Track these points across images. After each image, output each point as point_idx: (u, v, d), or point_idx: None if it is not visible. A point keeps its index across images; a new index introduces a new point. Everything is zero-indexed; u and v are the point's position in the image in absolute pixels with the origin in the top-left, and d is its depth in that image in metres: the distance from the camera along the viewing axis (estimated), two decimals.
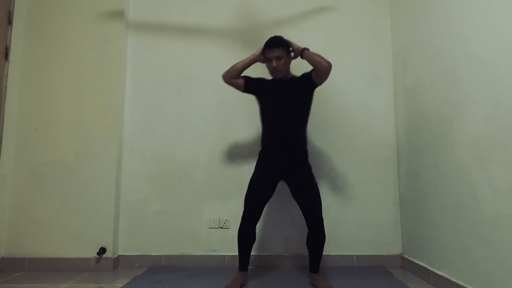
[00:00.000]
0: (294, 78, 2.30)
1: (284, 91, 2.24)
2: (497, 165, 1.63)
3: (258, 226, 2.57)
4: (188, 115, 2.81)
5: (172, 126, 2.80)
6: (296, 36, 2.86)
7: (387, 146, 2.78)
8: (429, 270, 2.21)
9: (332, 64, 2.11)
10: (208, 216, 2.72)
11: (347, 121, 2.81)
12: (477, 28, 1.78)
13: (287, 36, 2.87)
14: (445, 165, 2.07)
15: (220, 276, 2.30)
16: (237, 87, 2.31)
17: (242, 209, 2.27)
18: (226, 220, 2.68)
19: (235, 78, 2.27)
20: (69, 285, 2.19)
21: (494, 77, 1.65)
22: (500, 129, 1.61)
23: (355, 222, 2.70)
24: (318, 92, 2.82)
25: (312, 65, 2.16)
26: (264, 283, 2.22)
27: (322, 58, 2.13)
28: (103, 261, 2.54)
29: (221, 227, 2.69)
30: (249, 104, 2.80)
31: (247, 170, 2.64)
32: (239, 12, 2.92)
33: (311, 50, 2.18)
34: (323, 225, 2.12)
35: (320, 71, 2.14)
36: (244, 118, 2.79)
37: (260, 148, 2.30)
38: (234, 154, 2.77)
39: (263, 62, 2.28)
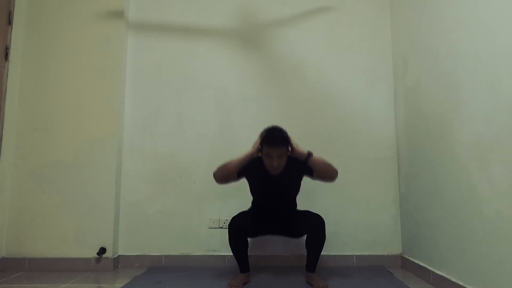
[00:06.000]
0: (289, 165, 2.11)
1: (277, 183, 2.14)
2: (497, 165, 1.63)
3: None
4: (188, 115, 2.81)
5: (172, 126, 2.80)
6: (296, 36, 2.89)
7: (387, 146, 2.78)
8: (429, 270, 2.21)
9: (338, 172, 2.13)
10: (208, 216, 2.72)
11: (347, 121, 2.81)
12: (477, 28, 1.78)
13: (287, 36, 2.89)
14: (445, 165, 2.06)
15: (220, 276, 2.31)
16: (228, 182, 2.21)
17: (242, 209, 2.29)
18: (226, 220, 2.68)
19: (228, 178, 2.16)
20: (69, 285, 2.19)
21: (494, 77, 1.65)
22: (500, 129, 1.61)
23: (355, 222, 2.70)
24: (319, 92, 2.84)
25: (319, 173, 2.13)
26: (264, 283, 2.21)
27: (330, 167, 2.10)
28: (103, 261, 2.54)
29: (221, 227, 2.69)
30: (249, 104, 2.81)
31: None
32: (239, 12, 2.91)
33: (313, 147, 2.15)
34: (325, 227, 2.11)
35: (327, 180, 2.16)
36: (244, 118, 2.79)
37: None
38: (234, 154, 2.76)
39: (258, 156, 2.12)
